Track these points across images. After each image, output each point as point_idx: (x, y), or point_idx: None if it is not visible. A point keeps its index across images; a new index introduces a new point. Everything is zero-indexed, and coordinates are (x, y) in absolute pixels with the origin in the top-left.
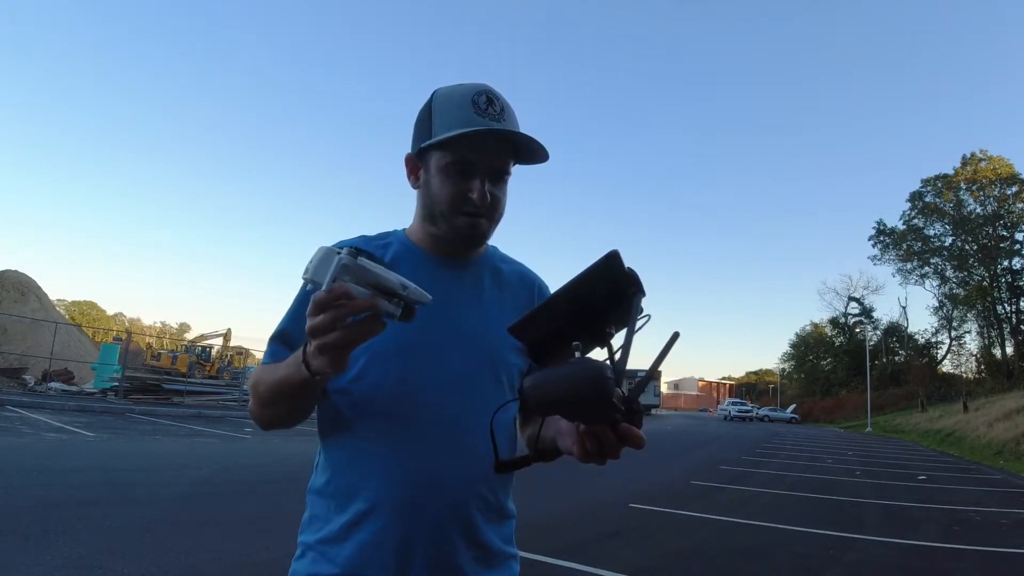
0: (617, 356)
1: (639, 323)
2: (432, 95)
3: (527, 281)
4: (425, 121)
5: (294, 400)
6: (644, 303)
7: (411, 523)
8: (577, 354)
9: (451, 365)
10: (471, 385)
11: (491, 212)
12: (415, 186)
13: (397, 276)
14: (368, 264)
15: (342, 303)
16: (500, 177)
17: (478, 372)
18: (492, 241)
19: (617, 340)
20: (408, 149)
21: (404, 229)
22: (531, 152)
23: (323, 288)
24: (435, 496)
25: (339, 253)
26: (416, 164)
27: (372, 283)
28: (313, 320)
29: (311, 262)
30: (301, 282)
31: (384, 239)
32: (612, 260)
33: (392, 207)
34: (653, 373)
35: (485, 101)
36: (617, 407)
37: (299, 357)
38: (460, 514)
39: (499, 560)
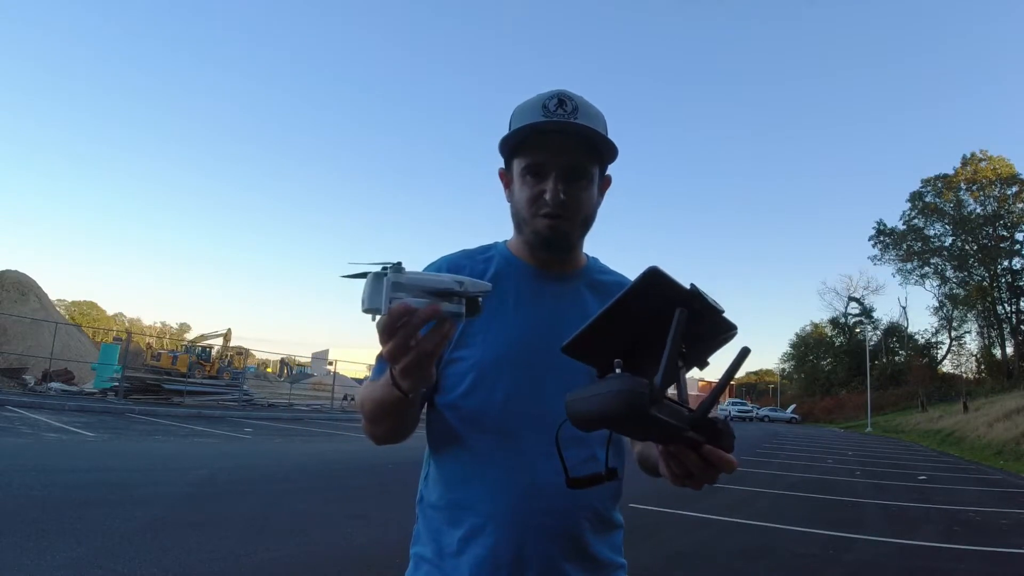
0: (660, 372)
1: (722, 342)
2: (513, 110)
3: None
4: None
5: (396, 417)
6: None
7: (523, 537)
8: (618, 370)
9: (557, 378)
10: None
11: (569, 212)
12: (508, 199)
13: (449, 275)
14: (416, 273)
15: (405, 320)
16: (576, 176)
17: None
18: (590, 252)
19: (698, 358)
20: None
21: (505, 242)
22: (609, 149)
23: (383, 312)
24: (545, 509)
25: (385, 273)
26: (507, 177)
27: (427, 290)
28: (385, 346)
29: (364, 292)
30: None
31: (486, 252)
32: (650, 278)
33: (394, 207)
34: (721, 391)
35: (555, 103)
36: (670, 424)
37: (389, 378)
38: (570, 527)
39: (608, 571)
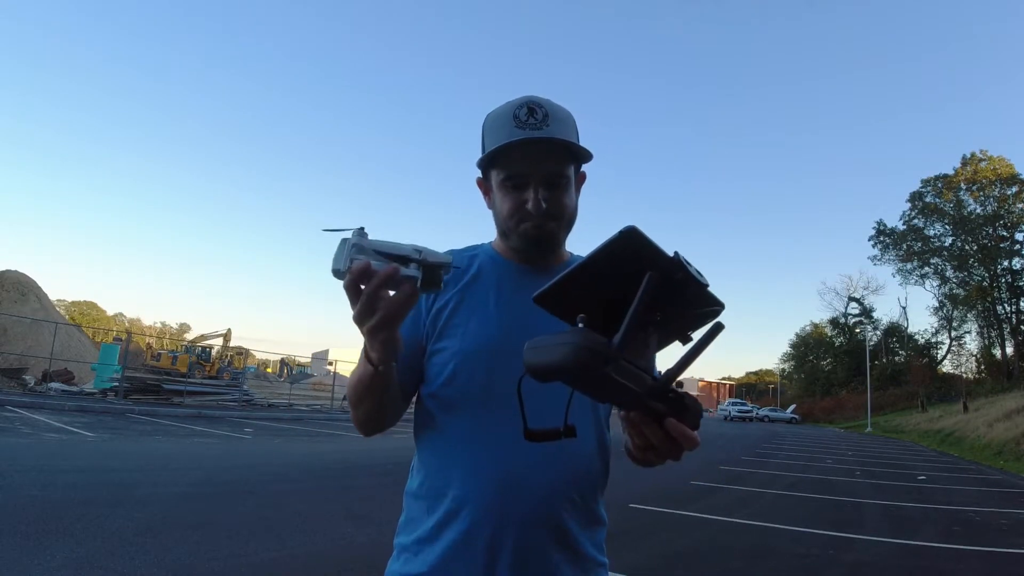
0: (619, 336)
1: (706, 317)
2: (485, 119)
3: None
4: (481, 144)
5: (373, 397)
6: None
7: (498, 523)
8: (580, 325)
9: None
10: (557, 387)
11: (554, 215)
12: (490, 206)
13: (410, 244)
14: (377, 239)
15: (367, 280)
16: (555, 182)
17: None
18: (573, 248)
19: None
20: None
21: (491, 242)
22: (584, 151)
23: (342, 271)
24: (521, 497)
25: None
26: (486, 186)
27: (386, 254)
28: (353, 309)
29: (333, 257)
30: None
31: (472, 251)
32: (626, 236)
33: (394, 208)
34: (686, 365)
35: (526, 113)
36: (627, 388)
37: (363, 355)
38: (548, 515)
39: (589, 566)
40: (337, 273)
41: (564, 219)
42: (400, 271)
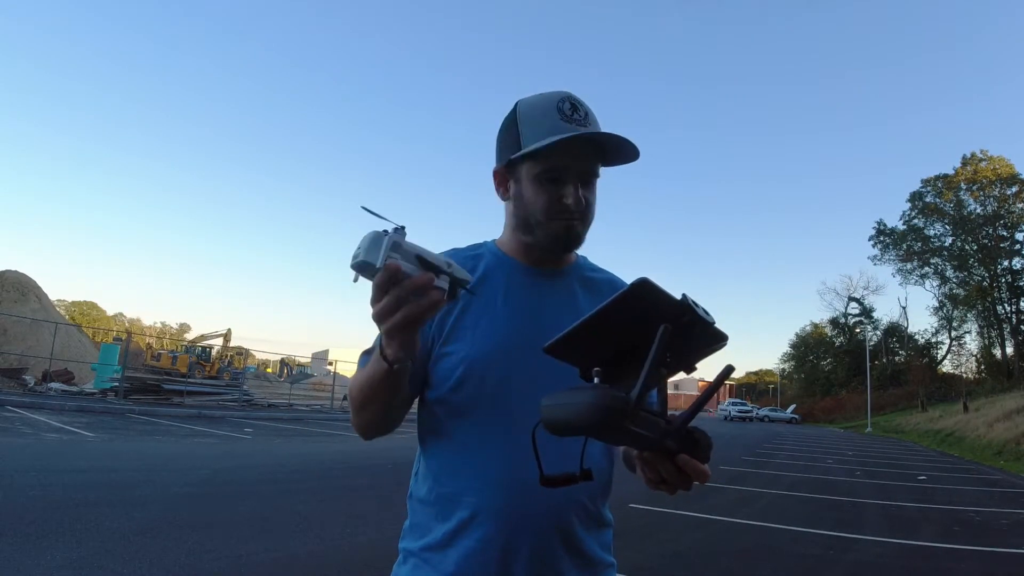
0: (639, 384)
1: (711, 351)
2: (515, 106)
3: (616, 289)
4: (512, 133)
5: (382, 399)
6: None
7: (513, 530)
8: (596, 380)
9: (547, 372)
10: None
11: (584, 215)
12: (504, 198)
13: (443, 256)
14: (415, 242)
15: (399, 281)
16: (590, 180)
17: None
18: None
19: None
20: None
21: (494, 240)
22: (618, 152)
23: (378, 266)
24: (536, 503)
25: (387, 233)
26: (505, 176)
27: (420, 259)
28: (377, 305)
29: (360, 247)
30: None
31: (475, 250)
32: (637, 289)
33: (394, 208)
34: (699, 408)
35: (570, 107)
36: (644, 436)
37: (377, 352)
38: (561, 522)
39: (598, 569)
40: (364, 266)
41: (590, 219)
42: (434, 280)
